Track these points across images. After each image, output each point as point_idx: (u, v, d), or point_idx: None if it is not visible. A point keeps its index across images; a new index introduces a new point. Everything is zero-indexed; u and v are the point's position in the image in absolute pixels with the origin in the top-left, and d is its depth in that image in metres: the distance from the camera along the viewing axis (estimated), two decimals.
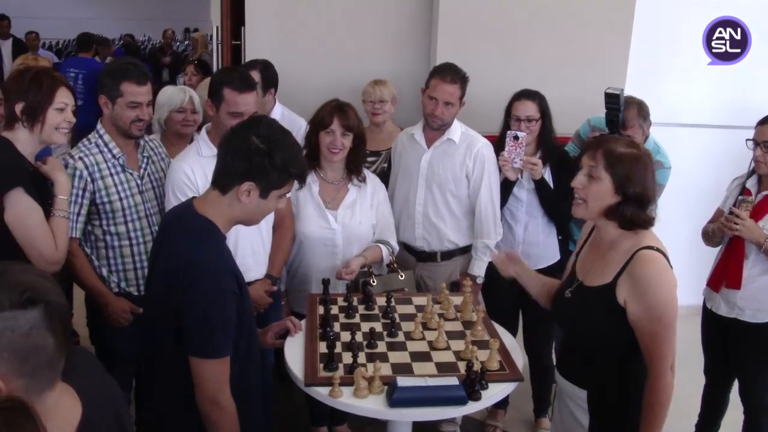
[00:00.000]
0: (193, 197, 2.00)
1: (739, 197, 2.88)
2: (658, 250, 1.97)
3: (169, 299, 1.81)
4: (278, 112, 3.59)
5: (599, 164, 1.97)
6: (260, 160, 1.81)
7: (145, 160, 2.75)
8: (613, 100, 2.99)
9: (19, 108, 2.26)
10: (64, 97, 2.32)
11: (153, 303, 1.95)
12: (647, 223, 1.99)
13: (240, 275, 1.92)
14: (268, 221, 2.76)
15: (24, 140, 2.29)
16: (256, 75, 3.45)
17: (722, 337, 3.02)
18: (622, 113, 3.03)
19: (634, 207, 1.96)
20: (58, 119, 2.30)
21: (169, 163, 2.87)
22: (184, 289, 1.78)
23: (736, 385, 3.09)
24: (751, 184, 2.93)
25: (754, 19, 4.48)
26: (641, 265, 1.94)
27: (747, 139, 2.93)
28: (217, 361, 1.80)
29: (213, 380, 1.82)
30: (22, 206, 2.21)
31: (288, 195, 2.03)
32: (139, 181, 2.70)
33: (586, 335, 2.08)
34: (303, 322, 2.49)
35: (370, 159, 3.58)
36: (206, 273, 1.79)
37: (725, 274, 2.93)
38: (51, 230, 2.28)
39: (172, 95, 3.33)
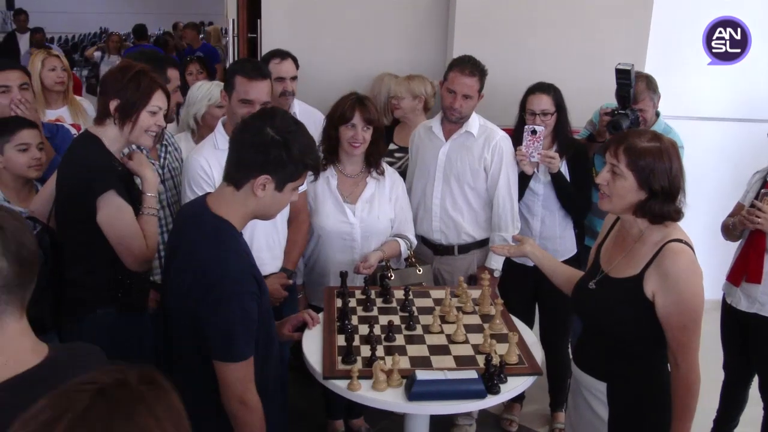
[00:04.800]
0: (207, 194, 1.97)
1: (762, 190, 2.85)
2: (686, 243, 1.95)
3: (189, 302, 1.80)
4: (296, 106, 3.59)
5: (621, 162, 1.95)
6: (278, 152, 1.79)
7: (164, 149, 2.77)
8: (624, 76, 2.99)
9: (113, 105, 2.23)
10: (159, 101, 2.28)
11: (172, 303, 1.93)
12: (677, 215, 1.97)
13: (258, 273, 1.90)
14: (284, 215, 2.76)
15: (112, 137, 2.27)
16: (292, 65, 3.45)
17: (742, 332, 2.99)
18: (633, 88, 3.02)
19: (662, 201, 1.93)
20: (150, 122, 2.27)
21: (181, 154, 2.90)
22: (203, 293, 1.76)
23: (755, 380, 3.06)
24: None
25: (754, 19, 4.44)
26: (671, 258, 1.93)
27: None
28: (241, 364, 1.79)
29: (239, 382, 1.80)
30: (114, 208, 2.20)
31: (301, 188, 2.00)
32: (160, 171, 2.72)
33: (610, 327, 2.07)
34: (321, 315, 2.49)
35: (397, 155, 3.58)
36: (225, 277, 1.76)
37: (745, 269, 2.90)
38: (141, 228, 2.27)
39: (212, 90, 3.30)
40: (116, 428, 0.81)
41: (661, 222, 1.97)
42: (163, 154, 2.76)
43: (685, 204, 1.98)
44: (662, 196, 1.93)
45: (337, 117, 2.81)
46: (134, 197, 2.32)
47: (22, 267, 1.22)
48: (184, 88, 4.53)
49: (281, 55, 3.42)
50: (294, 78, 3.42)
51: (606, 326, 2.09)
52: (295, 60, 3.47)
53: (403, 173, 3.27)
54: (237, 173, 1.84)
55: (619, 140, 2.00)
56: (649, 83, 3.24)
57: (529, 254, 2.42)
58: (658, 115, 3.33)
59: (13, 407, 1.20)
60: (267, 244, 2.72)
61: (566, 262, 3.08)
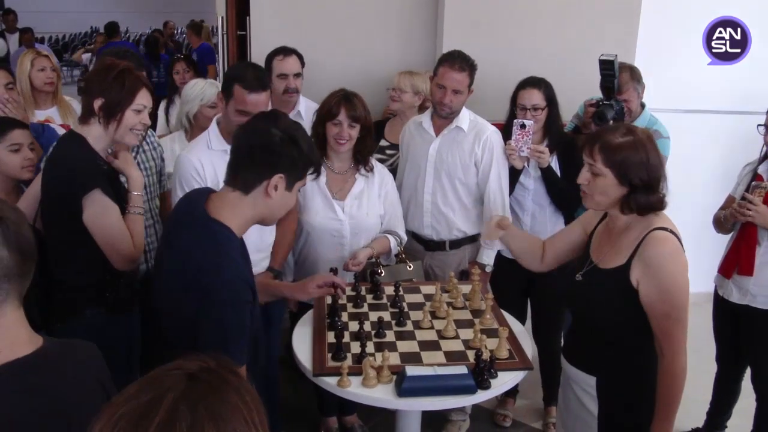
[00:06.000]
0: (207, 198, 1.88)
1: (753, 183, 2.86)
2: (671, 231, 1.96)
3: (184, 309, 1.76)
4: (302, 103, 3.56)
5: (597, 160, 1.96)
6: (290, 151, 1.80)
7: (135, 148, 2.75)
8: (607, 66, 2.98)
9: (97, 104, 2.22)
10: (143, 99, 2.27)
11: (165, 305, 1.88)
12: (661, 204, 1.97)
13: (253, 281, 1.87)
14: None
15: (97, 136, 2.26)
16: (296, 61, 3.43)
17: (734, 324, 3.00)
18: (617, 79, 3.02)
19: (644, 193, 1.94)
20: (135, 120, 2.26)
21: (161, 152, 2.90)
22: (198, 300, 1.72)
23: (748, 372, 3.06)
24: (764, 169, 2.90)
25: (754, 19, 4.44)
26: (653, 245, 1.93)
27: (758, 125, 2.91)
28: None
29: None
30: (99, 207, 2.19)
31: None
32: None
33: (598, 319, 2.07)
34: (310, 312, 2.49)
35: (389, 152, 3.57)
36: (221, 285, 1.73)
37: (737, 261, 2.90)
38: (128, 227, 2.26)
39: (205, 89, 3.29)
40: (213, 405, 0.91)
41: (647, 213, 1.98)
42: (134, 152, 2.74)
43: (667, 191, 1.98)
44: (643, 189, 1.94)
45: (323, 113, 2.80)
46: (120, 196, 2.30)
47: (22, 257, 1.25)
48: (172, 86, 4.53)
49: (285, 51, 3.41)
50: (298, 75, 3.41)
51: (594, 318, 2.08)
52: (300, 57, 3.46)
53: (394, 170, 3.25)
54: (248, 177, 1.80)
55: (593, 139, 2.00)
56: (633, 74, 3.23)
57: (502, 241, 2.46)
58: (643, 106, 3.33)
59: (5, 394, 1.21)
60: (256, 243, 2.69)
61: None
